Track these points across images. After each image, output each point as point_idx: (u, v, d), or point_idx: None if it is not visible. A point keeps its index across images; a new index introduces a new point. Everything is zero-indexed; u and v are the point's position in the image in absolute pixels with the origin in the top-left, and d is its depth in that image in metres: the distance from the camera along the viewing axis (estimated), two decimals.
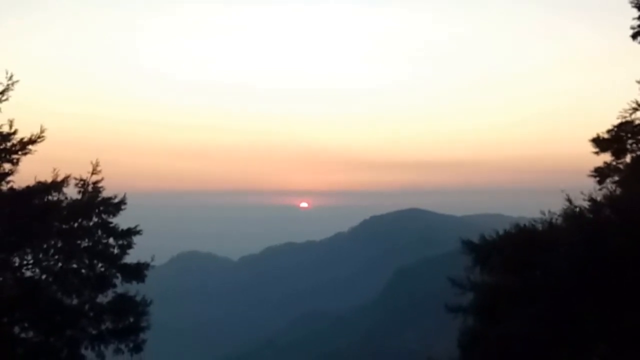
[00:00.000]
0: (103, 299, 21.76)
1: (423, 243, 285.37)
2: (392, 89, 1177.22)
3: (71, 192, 21.87)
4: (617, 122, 25.56)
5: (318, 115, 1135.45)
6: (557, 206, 19.85)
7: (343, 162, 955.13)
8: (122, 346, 21.58)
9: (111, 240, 22.11)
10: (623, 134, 25.53)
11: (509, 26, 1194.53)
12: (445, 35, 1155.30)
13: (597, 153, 26.04)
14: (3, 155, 20.97)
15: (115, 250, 22.09)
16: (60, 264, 21.31)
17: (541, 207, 20.14)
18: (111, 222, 22.17)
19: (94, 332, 21.38)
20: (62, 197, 21.73)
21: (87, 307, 21.51)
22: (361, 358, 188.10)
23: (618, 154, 25.65)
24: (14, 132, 21.11)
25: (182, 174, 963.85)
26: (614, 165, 25.73)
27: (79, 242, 21.73)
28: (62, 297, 21.30)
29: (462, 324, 20.05)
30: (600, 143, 25.91)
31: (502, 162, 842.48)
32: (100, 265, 21.95)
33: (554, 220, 19.72)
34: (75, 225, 21.76)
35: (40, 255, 21.06)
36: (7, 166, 21.14)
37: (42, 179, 21.44)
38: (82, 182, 21.97)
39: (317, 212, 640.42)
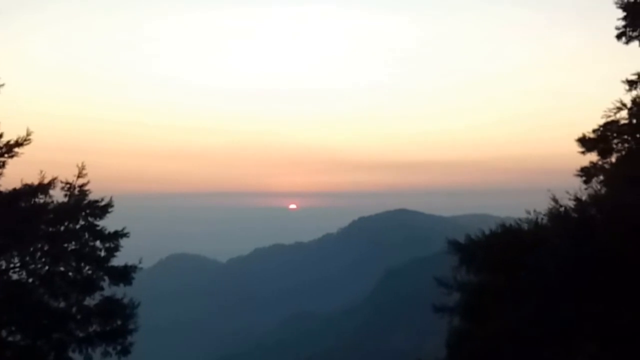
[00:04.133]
0: (90, 301, 21.73)
1: (411, 243, 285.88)
2: (380, 90, 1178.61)
3: (58, 194, 21.87)
4: (602, 121, 25.69)
5: (307, 116, 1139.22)
6: (544, 206, 19.94)
7: (331, 163, 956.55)
8: (110, 349, 21.53)
9: (98, 243, 22.07)
10: (609, 133, 25.63)
11: (495, 26, 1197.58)
12: (431, 35, 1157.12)
13: (583, 153, 26.13)
14: None
15: (102, 253, 22.05)
16: (47, 267, 21.27)
17: (528, 207, 20.24)
18: (98, 225, 22.13)
19: (81, 335, 21.33)
20: (48, 200, 21.69)
21: (74, 310, 21.46)
22: (350, 358, 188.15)
23: (604, 153, 25.74)
24: (0, 135, 21.07)
25: (170, 175, 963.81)
26: (600, 165, 25.83)
27: (65, 245, 21.69)
28: (49, 300, 21.26)
29: (449, 323, 20.11)
30: (586, 143, 26.01)
31: (490, 162, 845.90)
32: (87, 268, 21.90)
33: (539, 220, 19.80)
34: (62, 228, 21.71)
35: (27, 258, 21.01)
36: None
37: (28, 181, 21.41)
38: (68, 185, 21.93)
39: (305, 213, 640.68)
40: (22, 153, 21.34)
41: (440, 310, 20.21)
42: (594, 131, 25.83)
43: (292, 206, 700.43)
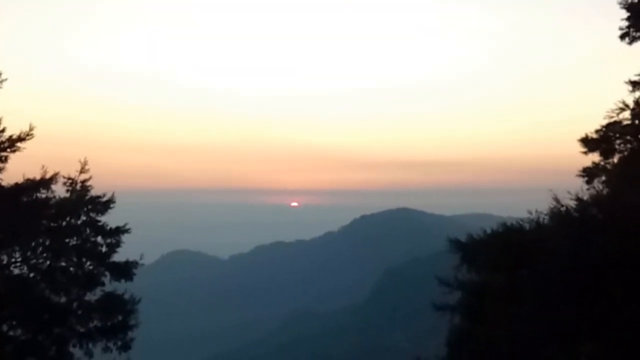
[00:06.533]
0: (91, 297, 21.71)
1: (413, 242, 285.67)
2: (380, 89, 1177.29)
3: (60, 190, 21.83)
4: (605, 121, 25.69)
5: (309, 115, 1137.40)
6: (545, 206, 19.94)
7: (333, 161, 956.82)
8: (111, 344, 21.53)
9: (99, 239, 22.05)
10: (611, 134, 25.64)
11: (495, 29, 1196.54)
12: (433, 35, 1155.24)
13: (585, 153, 26.14)
14: None
15: (104, 249, 22.04)
16: (48, 262, 21.27)
17: (530, 206, 20.24)
18: (100, 221, 22.12)
19: (82, 330, 21.33)
20: (50, 195, 21.66)
21: (75, 305, 21.46)
22: (351, 357, 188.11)
23: (606, 154, 25.75)
24: (3, 130, 21.06)
25: (172, 172, 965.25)
26: (602, 165, 25.84)
27: (67, 240, 21.68)
28: (51, 295, 21.25)
29: (450, 322, 20.14)
30: (588, 143, 26.02)
31: (491, 162, 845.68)
32: (88, 263, 21.90)
33: (541, 220, 19.80)
34: (64, 223, 21.71)
35: (29, 253, 21.02)
36: None
37: (30, 176, 21.40)
38: (70, 181, 21.91)
39: (307, 211, 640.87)
40: (24, 148, 21.32)
41: (441, 309, 20.26)
42: (597, 131, 25.83)
43: (294, 204, 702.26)
